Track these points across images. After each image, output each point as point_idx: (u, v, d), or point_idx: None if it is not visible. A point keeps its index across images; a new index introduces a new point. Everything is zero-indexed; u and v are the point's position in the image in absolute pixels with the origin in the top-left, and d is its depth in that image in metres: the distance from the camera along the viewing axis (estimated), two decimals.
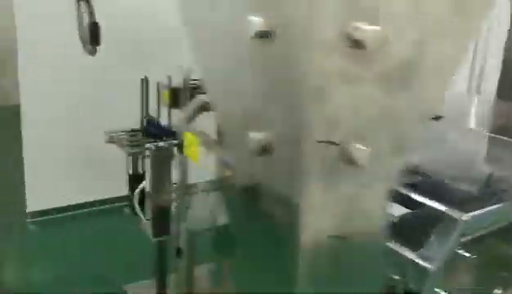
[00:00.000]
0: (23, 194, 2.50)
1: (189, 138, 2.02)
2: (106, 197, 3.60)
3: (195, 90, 2.35)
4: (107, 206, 3.63)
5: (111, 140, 2.30)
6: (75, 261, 3.04)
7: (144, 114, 2.35)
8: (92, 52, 2.32)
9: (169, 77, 2.33)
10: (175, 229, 2.32)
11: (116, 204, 3.43)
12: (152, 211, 2.32)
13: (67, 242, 3.18)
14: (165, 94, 2.36)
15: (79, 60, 3.23)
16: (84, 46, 2.32)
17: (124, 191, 3.57)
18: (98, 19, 2.92)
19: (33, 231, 2.74)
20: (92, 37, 2.25)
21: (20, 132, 2.38)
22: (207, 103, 2.12)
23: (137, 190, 2.30)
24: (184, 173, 2.15)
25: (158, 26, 3.25)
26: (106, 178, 3.23)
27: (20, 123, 2.38)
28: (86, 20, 2.25)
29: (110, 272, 2.93)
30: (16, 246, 2.55)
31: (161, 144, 2.23)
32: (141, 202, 2.50)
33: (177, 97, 2.34)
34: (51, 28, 2.96)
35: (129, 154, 2.40)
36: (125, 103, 3.32)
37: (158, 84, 2.29)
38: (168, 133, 2.28)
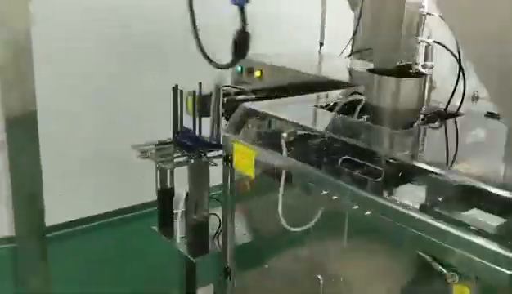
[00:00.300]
0: (42, 207, 2.26)
1: (241, 149, 1.80)
2: (125, 206, 3.36)
3: (227, 96, 2.14)
4: (128, 215, 3.40)
5: (144, 156, 2.04)
6: (101, 277, 2.82)
7: (176, 125, 2.10)
8: (228, 65, 2.00)
9: (200, 84, 2.09)
10: (219, 247, 2.10)
11: (137, 212, 3.25)
12: (191, 229, 2.08)
13: (90, 256, 2.96)
14: (189, 101, 2.12)
15: (98, 67, 3.01)
16: (210, 57, 1.99)
17: (146, 198, 3.37)
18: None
19: (55, 246, 2.51)
20: (239, 47, 1.92)
21: (37, 139, 2.13)
22: (251, 110, 1.90)
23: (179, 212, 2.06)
24: (232, 186, 1.91)
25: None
26: (126, 185, 3.03)
27: (37, 130, 2.12)
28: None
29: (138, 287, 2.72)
30: (38, 263, 2.31)
31: (203, 157, 1.99)
32: (171, 219, 2.27)
33: (204, 105, 2.11)
34: (67, 36, 2.71)
35: (162, 170, 2.16)
36: (146, 109, 3.14)
37: (194, 92, 2.04)
38: (206, 145, 2.05)
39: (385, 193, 1.50)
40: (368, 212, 1.44)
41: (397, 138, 1.70)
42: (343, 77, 2.48)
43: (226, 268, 1.98)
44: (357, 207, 1.47)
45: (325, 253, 1.78)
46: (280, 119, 1.80)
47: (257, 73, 2.64)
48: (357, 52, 2.90)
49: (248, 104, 1.90)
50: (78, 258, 2.94)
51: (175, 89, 2.07)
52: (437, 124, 1.78)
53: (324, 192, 1.55)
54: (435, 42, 1.72)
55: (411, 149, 1.66)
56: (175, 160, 2.02)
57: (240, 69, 2.73)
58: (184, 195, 2.14)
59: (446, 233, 1.34)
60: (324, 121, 1.84)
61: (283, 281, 1.94)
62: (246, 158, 1.77)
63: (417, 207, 1.43)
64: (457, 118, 1.81)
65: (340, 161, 1.57)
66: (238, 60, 1.93)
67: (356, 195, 1.48)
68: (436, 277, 1.75)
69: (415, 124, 1.78)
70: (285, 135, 1.74)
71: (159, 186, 2.22)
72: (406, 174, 1.53)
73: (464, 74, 1.74)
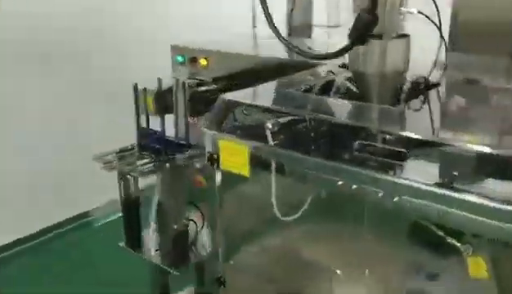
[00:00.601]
0: None
1: (229, 146, 1.60)
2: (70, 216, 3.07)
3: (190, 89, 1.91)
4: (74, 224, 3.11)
5: (110, 167, 1.76)
6: None
7: (140, 127, 1.84)
8: (335, 54, 1.52)
9: (159, 80, 1.85)
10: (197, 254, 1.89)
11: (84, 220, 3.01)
12: (171, 240, 1.84)
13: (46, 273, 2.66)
14: (149, 100, 1.87)
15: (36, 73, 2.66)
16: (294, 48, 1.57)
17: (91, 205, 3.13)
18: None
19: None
20: (362, 31, 1.46)
21: None
22: (232, 101, 1.70)
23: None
24: (219, 189, 1.71)
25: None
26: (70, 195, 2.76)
27: None
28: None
29: None
30: None
31: (178, 158, 1.76)
32: (139, 232, 2.01)
33: (165, 102, 1.87)
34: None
35: (125, 178, 1.89)
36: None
37: (155, 90, 1.79)
38: (176, 146, 1.82)
39: (399, 173, 1.40)
40: (382, 195, 1.32)
41: (395, 114, 1.60)
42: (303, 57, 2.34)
43: (219, 277, 1.78)
44: (381, 193, 1.35)
45: (336, 244, 1.66)
46: (269, 109, 1.62)
47: (202, 62, 2.42)
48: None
49: (228, 96, 1.70)
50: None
51: (135, 87, 1.80)
52: (424, 96, 1.70)
53: (339, 181, 1.41)
54: (419, 12, 1.63)
55: (414, 124, 1.57)
56: (146, 167, 1.77)
57: (181, 58, 2.50)
58: (154, 203, 1.90)
59: (469, 205, 1.26)
60: (312, 105, 1.69)
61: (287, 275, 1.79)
62: (238, 155, 1.58)
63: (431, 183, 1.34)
64: (440, 88, 1.74)
65: (355, 145, 1.43)
66: (351, 48, 1.53)
67: (371, 178, 1.36)
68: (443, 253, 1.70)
69: (403, 92, 1.70)
70: (269, 125, 1.57)
71: (123, 197, 1.95)
72: (411, 150, 1.43)
73: (446, 44, 1.67)
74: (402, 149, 1.38)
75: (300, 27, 2.89)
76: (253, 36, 2.92)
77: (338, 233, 1.77)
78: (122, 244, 2.01)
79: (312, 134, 1.58)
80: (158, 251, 1.94)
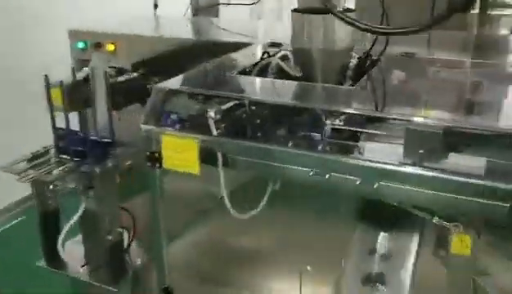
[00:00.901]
0: None
1: (175, 142, 1.37)
2: None
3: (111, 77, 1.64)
4: None
5: (26, 177, 1.44)
6: None
7: (56, 127, 1.53)
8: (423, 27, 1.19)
9: (73, 69, 1.55)
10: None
11: None
12: (107, 252, 1.57)
13: None
14: (55, 93, 1.56)
15: None
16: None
17: None
18: None
19: None
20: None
21: None
22: (171, 91, 1.47)
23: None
24: (161, 191, 1.47)
25: None
26: None
27: None
28: None
29: None
30: None
31: (109, 161, 1.49)
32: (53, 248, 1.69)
33: (76, 96, 1.58)
34: None
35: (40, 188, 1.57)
36: None
37: (61, 83, 1.49)
38: (101, 145, 1.54)
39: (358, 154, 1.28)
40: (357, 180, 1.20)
41: (349, 93, 1.48)
42: (224, 38, 2.14)
43: (165, 288, 1.55)
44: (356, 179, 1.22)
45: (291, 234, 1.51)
46: (214, 96, 1.40)
47: (109, 47, 2.11)
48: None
49: (164, 85, 1.45)
50: None
51: (47, 79, 1.48)
52: (369, 73, 1.59)
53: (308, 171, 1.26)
54: None
55: (369, 102, 1.46)
56: (72, 174, 1.47)
57: (82, 44, 2.16)
58: (79, 212, 1.60)
59: (443, 182, 1.18)
60: (258, 88, 1.51)
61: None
62: (185, 151, 1.35)
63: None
64: (382, 63, 1.65)
65: (328, 130, 1.28)
66: (448, 18, 1.18)
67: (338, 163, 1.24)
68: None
69: (350, 69, 1.58)
70: (212, 114, 1.37)
71: (40, 209, 1.63)
72: (370, 130, 1.32)
73: (388, 19, 1.57)
74: (361, 129, 1.26)
75: (206, 6, 2.68)
76: (156, 17, 2.65)
77: (293, 223, 1.63)
78: (41, 263, 1.69)
79: (261, 120, 1.40)
80: (85, 267, 1.66)
